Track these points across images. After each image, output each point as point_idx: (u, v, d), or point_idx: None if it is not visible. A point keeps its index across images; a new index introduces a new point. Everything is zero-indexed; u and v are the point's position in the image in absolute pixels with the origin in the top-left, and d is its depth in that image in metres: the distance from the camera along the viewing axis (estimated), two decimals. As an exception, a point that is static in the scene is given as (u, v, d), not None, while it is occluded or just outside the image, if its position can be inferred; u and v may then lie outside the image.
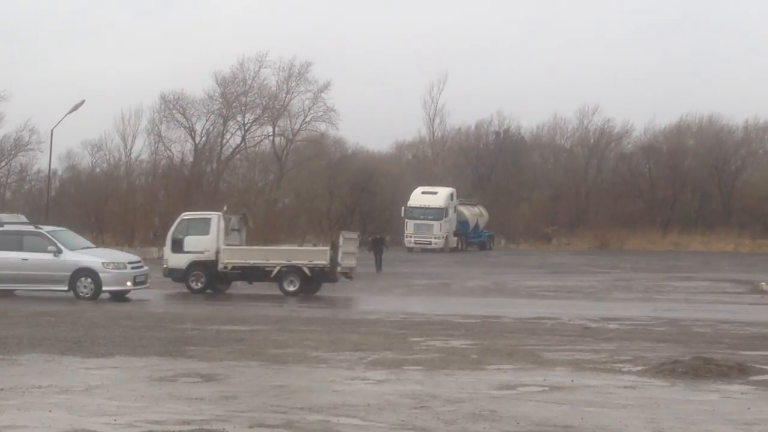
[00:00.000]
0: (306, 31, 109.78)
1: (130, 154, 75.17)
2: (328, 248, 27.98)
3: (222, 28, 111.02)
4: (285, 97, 73.53)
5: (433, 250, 59.60)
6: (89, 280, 24.32)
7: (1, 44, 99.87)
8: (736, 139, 76.57)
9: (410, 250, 60.34)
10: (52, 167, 65.23)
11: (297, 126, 74.61)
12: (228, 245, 28.15)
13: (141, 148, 74.49)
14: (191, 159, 71.39)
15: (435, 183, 67.96)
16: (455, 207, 63.86)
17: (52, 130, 59.08)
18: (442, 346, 15.65)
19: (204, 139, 72.74)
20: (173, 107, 71.62)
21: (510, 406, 10.34)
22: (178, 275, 28.13)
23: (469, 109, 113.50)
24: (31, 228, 25.74)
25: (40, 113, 78.90)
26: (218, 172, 70.61)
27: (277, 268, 27.41)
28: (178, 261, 28.03)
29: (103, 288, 24.27)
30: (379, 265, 39.08)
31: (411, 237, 61.55)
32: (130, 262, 25.35)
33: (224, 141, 73.46)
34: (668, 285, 32.25)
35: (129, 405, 10.26)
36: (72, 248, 24.95)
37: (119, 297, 24.71)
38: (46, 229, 25.85)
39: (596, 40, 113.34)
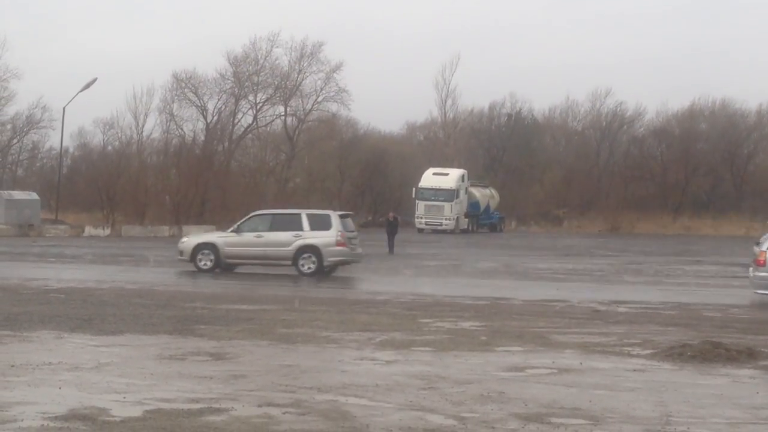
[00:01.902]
0: (318, 12, 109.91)
1: (141, 132, 75.65)
2: None
3: (234, 7, 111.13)
4: (297, 77, 73.54)
5: (443, 232, 59.62)
6: None
7: (13, 22, 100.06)
8: (749, 124, 76.37)
9: (421, 231, 60.35)
10: (63, 145, 65.80)
11: (309, 106, 74.65)
12: None
13: (153, 127, 74.96)
14: (203, 138, 71.50)
15: (446, 164, 67.96)
16: (466, 188, 63.82)
17: (64, 108, 59.45)
18: (451, 327, 15.66)
19: (216, 118, 72.86)
20: (185, 86, 71.74)
21: (518, 387, 10.35)
22: None
23: (481, 90, 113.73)
24: None
25: (52, 91, 79.51)
26: (230, 151, 70.69)
27: None
28: None
29: None
30: (391, 247, 38.31)
31: (421, 218, 61.54)
32: None
33: (236, 120, 73.60)
34: (678, 269, 32.19)
35: (138, 383, 10.30)
36: None
37: None
38: None
39: (609, 22, 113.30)
